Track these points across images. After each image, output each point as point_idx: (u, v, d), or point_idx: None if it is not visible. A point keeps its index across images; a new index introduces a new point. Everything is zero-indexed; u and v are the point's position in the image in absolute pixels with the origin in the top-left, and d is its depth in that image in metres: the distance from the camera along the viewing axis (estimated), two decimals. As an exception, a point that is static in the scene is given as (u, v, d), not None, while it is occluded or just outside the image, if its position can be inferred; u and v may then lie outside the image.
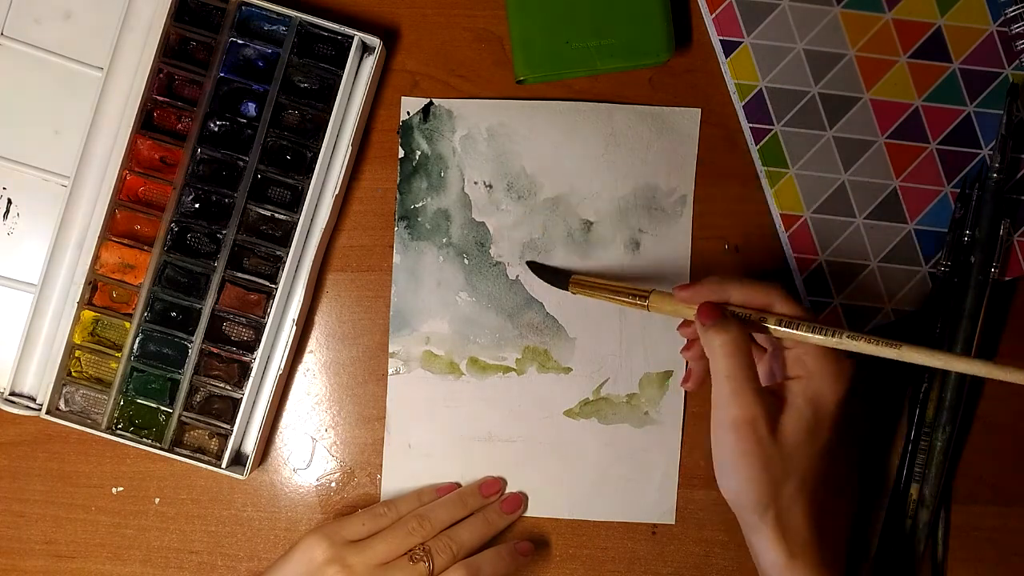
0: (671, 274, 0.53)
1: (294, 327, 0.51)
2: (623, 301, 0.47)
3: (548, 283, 0.52)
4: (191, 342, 0.50)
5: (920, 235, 0.53)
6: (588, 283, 0.50)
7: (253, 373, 0.50)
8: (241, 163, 0.50)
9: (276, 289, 0.50)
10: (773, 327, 0.43)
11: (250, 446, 0.51)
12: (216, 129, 0.50)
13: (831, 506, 0.46)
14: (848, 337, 0.41)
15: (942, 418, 0.52)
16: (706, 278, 0.44)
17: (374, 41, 0.50)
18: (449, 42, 0.53)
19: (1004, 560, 0.54)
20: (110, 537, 0.53)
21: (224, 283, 0.50)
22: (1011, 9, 0.52)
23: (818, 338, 0.41)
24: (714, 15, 0.52)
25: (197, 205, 0.50)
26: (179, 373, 0.50)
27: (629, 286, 0.48)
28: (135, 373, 0.50)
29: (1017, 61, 0.53)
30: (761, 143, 0.53)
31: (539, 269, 0.53)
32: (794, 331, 0.42)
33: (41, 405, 0.50)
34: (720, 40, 0.52)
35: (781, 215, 0.53)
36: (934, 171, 0.53)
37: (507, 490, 0.53)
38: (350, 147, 0.51)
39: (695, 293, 0.44)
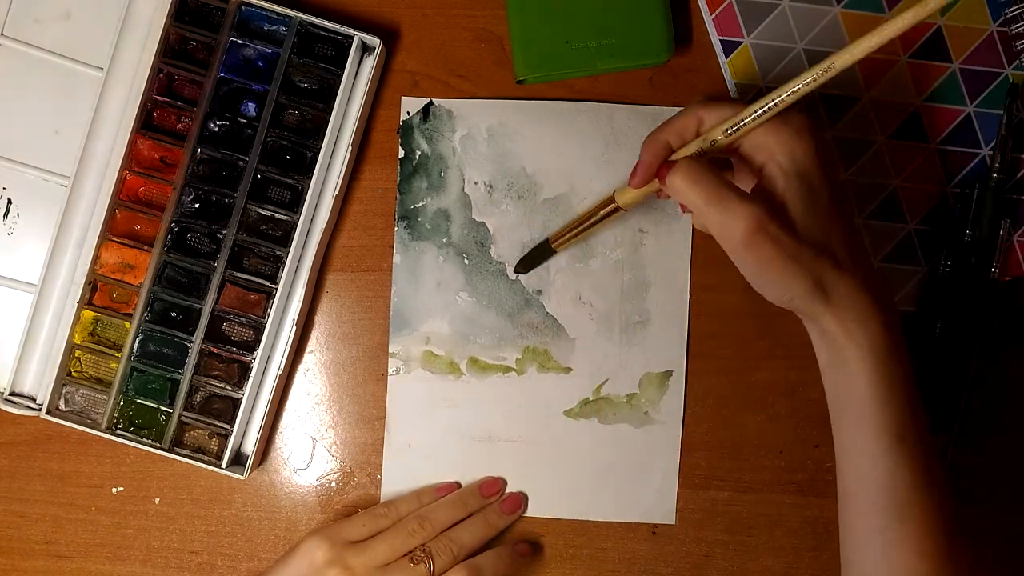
0: (671, 274, 0.53)
1: (294, 327, 0.51)
2: (598, 219, 0.48)
3: (541, 263, 0.52)
4: (191, 342, 0.50)
5: (920, 235, 0.53)
6: (564, 233, 0.50)
7: (253, 373, 0.50)
8: (241, 163, 0.50)
9: (276, 289, 0.50)
10: (720, 139, 0.41)
11: (250, 446, 0.51)
12: (216, 129, 0.50)
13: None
14: (780, 96, 0.39)
15: (942, 418, 0.52)
16: (642, 150, 0.43)
17: (374, 41, 0.50)
18: (449, 42, 0.53)
19: (1004, 560, 0.54)
20: (110, 537, 0.53)
21: (224, 283, 0.50)
22: (1011, 9, 0.52)
23: (753, 118, 0.40)
24: (714, 15, 0.52)
25: (197, 205, 0.50)
26: (179, 373, 0.50)
27: (593, 207, 0.48)
28: (135, 373, 0.50)
29: (1017, 61, 0.53)
30: (761, 143, 0.53)
31: (527, 263, 0.53)
32: (733, 130, 0.41)
33: (41, 405, 0.50)
34: (720, 40, 0.52)
35: (781, 215, 0.53)
36: (934, 171, 0.53)
37: (507, 490, 0.53)
38: (350, 147, 0.51)
39: (642, 171, 0.43)
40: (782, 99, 0.39)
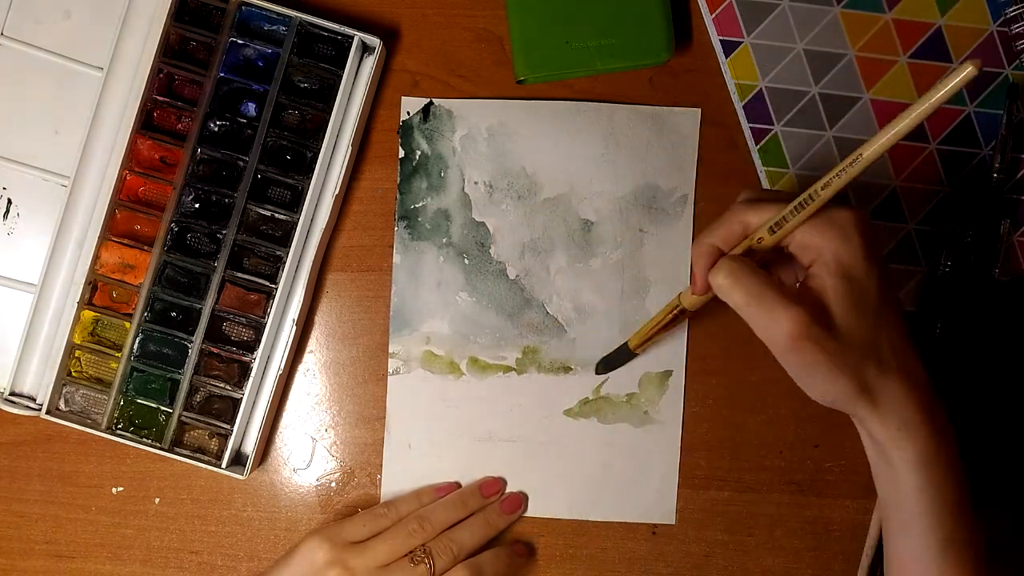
0: (671, 274, 0.53)
1: (294, 327, 0.51)
2: (668, 319, 0.47)
3: (622, 365, 0.53)
4: (191, 342, 0.50)
5: (920, 235, 0.53)
6: (640, 335, 0.50)
7: (253, 373, 0.50)
8: (241, 163, 0.50)
9: (276, 289, 0.50)
10: (765, 238, 0.40)
11: (250, 446, 0.51)
12: (216, 129, 0.50)
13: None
14: (820, 191, 0.38)
15: (942, 418, 0.52)
16: (692, 258, 0.42)
17: (374, 41, 0.50)
18: (449, 42, 0.53)
19: (1004, 560, 0.54)
20: (110, 537, 0.53)
21: (224, 283, 0.50)
22: (1011, 9, 0.52)
23: (799, 217, 0.39)
24: (714, 15, 0.52)
25: (197, 205, 0.50)
26: (179, 373, 0.50)
27: (662, 311, 0.48)
28: (135, 373, 0.50)
29: (1017, 61, 0.53)
30: (761, 143, 0.53)
31: (608, 365, 0.53)
32: (779, 230, 0.39)
33: (41, 405, 0.50)
34: (720, 40, 0.52)
35: (781, 215, 0.53)
36: (934, 171, 0.53)
37: (507, 490, 0.53)
38: (350, 147, 0.51)
39: (698, 278, 0.42)
40: (817, 193, 0.38)
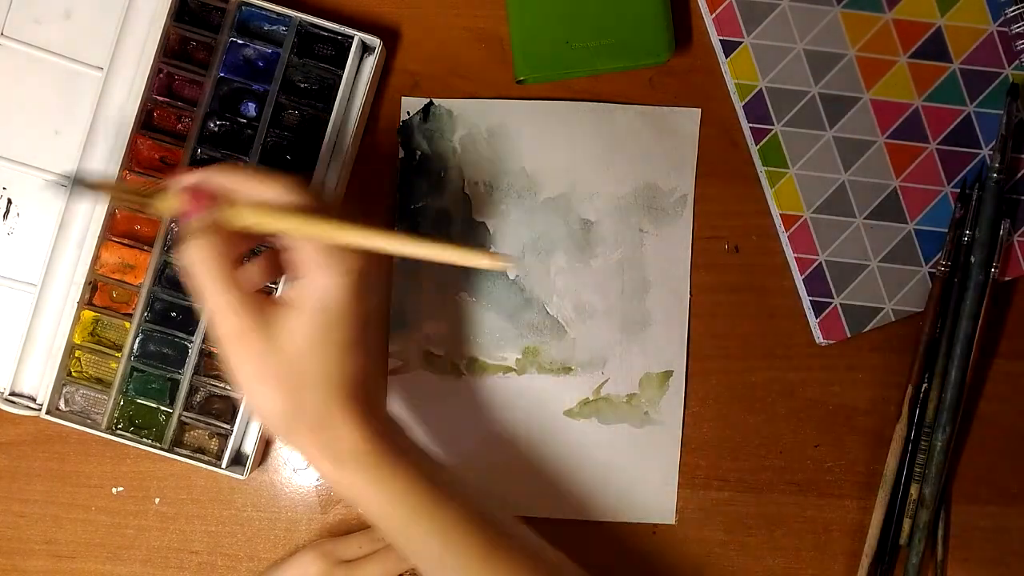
0: (671, 274, 0.53)
1: (294, 327, 0.51)
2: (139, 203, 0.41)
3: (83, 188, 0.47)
4: (191, 342, 0.50)
5: (920, 235, 0.53)
6: (112, 189, 0.44)
7: (253, 373, 0.50)
8: (241, 163, 0.50)
9: (276, 289, 0.50)
10: (254, 220, 0.37)
11: (250, 446, 0.51)
12: (216, 129, 0.50)
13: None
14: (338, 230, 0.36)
15: (942, 418, 0.52)
16: (212, 168, 0.39)
17: (374, 41, 0.50)
18: (449, 42, 0.53)
19: (1004, 560, 0.54)
20: (110, 537, 0.53)
21: (224, 283, 0.50)
22: (1011, 9, 0.52)
23: (308, 230, 0.36)
24: (714, 15, 0.52)
25: (197, 205, 0.50)
26: (179, 373, 0.50)
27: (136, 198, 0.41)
28: (135, 373, 0.50)
29: (1017, 61, 0.53)
30: (761, 143, 0.53)
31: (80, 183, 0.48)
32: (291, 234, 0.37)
33: (41, 405, 0.50)
34: (720, 40, 0.52)
35: (781, 215, 0.53)
36: (934, 171, 0.53)
37: (507, 490, 0.53)
38: (350, 147, 0.51)
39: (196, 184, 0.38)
40: (347, 238, 0.36)
